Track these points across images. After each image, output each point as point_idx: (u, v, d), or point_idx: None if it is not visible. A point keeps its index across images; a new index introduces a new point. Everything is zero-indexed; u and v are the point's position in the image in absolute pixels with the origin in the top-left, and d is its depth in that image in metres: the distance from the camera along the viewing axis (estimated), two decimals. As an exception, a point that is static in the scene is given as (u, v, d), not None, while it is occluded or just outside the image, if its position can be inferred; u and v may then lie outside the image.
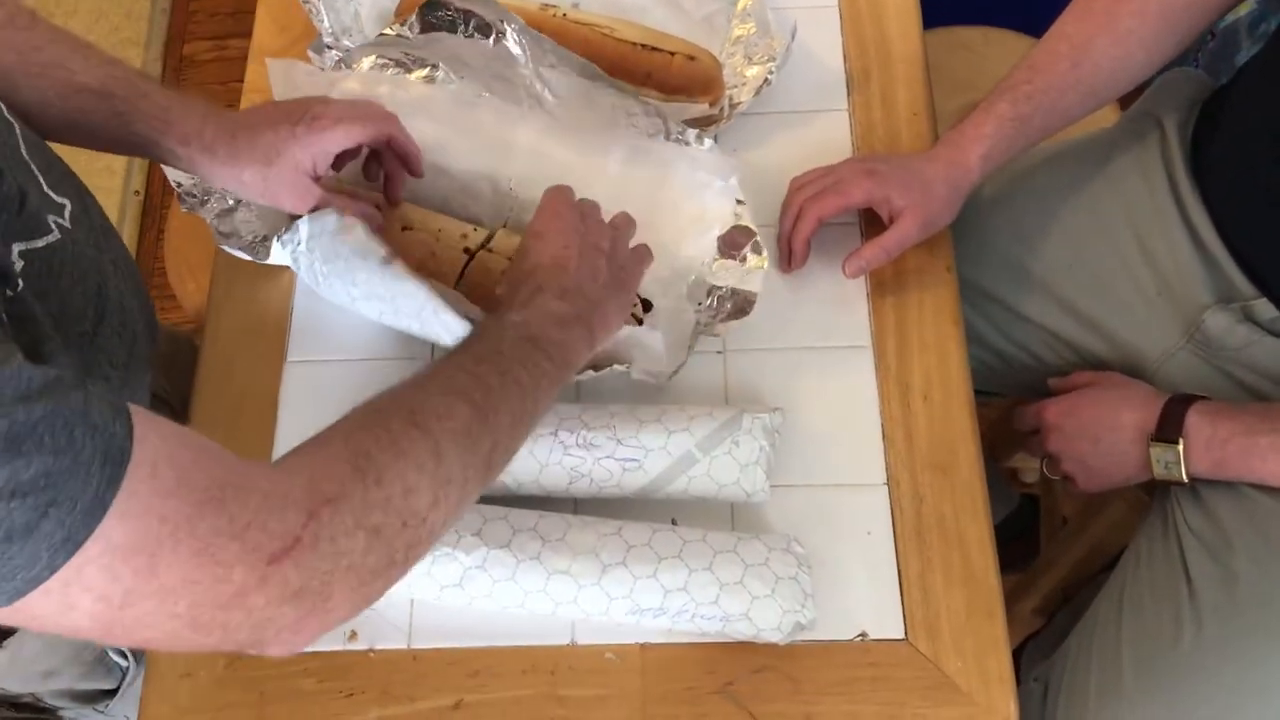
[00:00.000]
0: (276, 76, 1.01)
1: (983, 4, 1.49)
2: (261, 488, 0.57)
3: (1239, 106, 0.98)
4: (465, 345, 0.74)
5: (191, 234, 1.42)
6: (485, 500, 0.87)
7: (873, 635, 0.86)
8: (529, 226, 0.85)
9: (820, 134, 1.07)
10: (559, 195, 0.86)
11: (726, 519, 0.90)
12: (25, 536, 0.49)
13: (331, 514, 0.58)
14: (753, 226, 0.95)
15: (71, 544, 0.51)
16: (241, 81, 1.11)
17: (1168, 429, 0.92)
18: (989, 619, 0.86)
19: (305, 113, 0.88)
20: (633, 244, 0.91)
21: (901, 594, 0.87)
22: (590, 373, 0.90)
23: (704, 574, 0.83)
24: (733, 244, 0.96)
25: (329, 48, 1.05)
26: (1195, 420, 0.91)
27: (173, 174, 0.98)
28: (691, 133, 0.98)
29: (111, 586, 0.52)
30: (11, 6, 0.84)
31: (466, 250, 0.95)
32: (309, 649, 0.85)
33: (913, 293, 0.99)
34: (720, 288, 0.95)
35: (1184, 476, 0.92)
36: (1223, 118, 1.00)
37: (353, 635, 0.87)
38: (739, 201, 0.96)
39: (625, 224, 0.89)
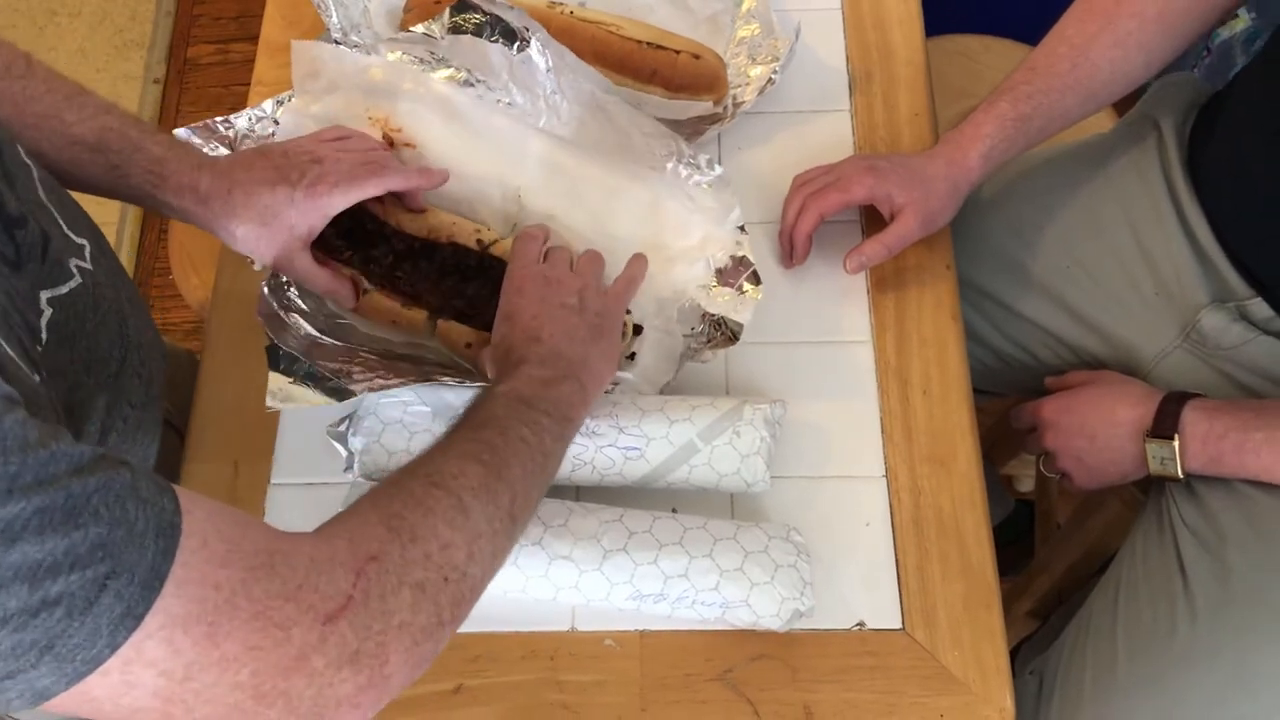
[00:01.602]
0: (300, 59, 1.02)
1: (982, 13, 1.50)
2: (306, 551, 0.58)
3: (1235, 111, 1.00)
4: (461, 420, 0.75)
5: (196, 230, 1.43)
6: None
7: (870, 625, 0.86)
8: (498, 309, 0.86)
9: (823, 134, 1.08)
10: (520, 265, 0.87)
11: (726, 509, 0.91)
12: (85, 611, 0.49)
13: (377, 571, 0.59)
14: (751, 257, 0.96)
15: (132, 618, 0.50)
16: (245, 85, 1.12)
17: (1164, 425, 0.93)
18: (986, 610, 0.87)
19: (303, 176, 0.89)
20: (626, 267, 0.92)
21: (899, 585, 0.88)
22: None
23: (704, 561, 0.83)
24: (732, 272, 0.97)
25: (337, 43, 1.06)
26: (1191, 417, 0.92)
27: None
28: (703, 157, 0.98)
29: (173, 660, 0.52)
30: (8, 53, 0.85)
31: (479, 243, 0.97)
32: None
33: (912, 289, 1.00)
34: (712, 315, 0.95)
35: (1179, 473, 0.93)
36: (1219, 121, 1.01)
37: (354, 619, 0.88)
38: (741, 229, 0.97)
39: (590, 269, 0.89)
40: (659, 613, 0.85)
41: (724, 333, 0.94)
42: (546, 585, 0.85)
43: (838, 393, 0.96)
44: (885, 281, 1.00)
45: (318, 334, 0.95)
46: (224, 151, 1.02)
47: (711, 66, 1.05)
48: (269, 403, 0.90)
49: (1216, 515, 0.93)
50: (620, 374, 0.92)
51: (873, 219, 1.01)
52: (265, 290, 0.95)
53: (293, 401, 0.90)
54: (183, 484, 0.93)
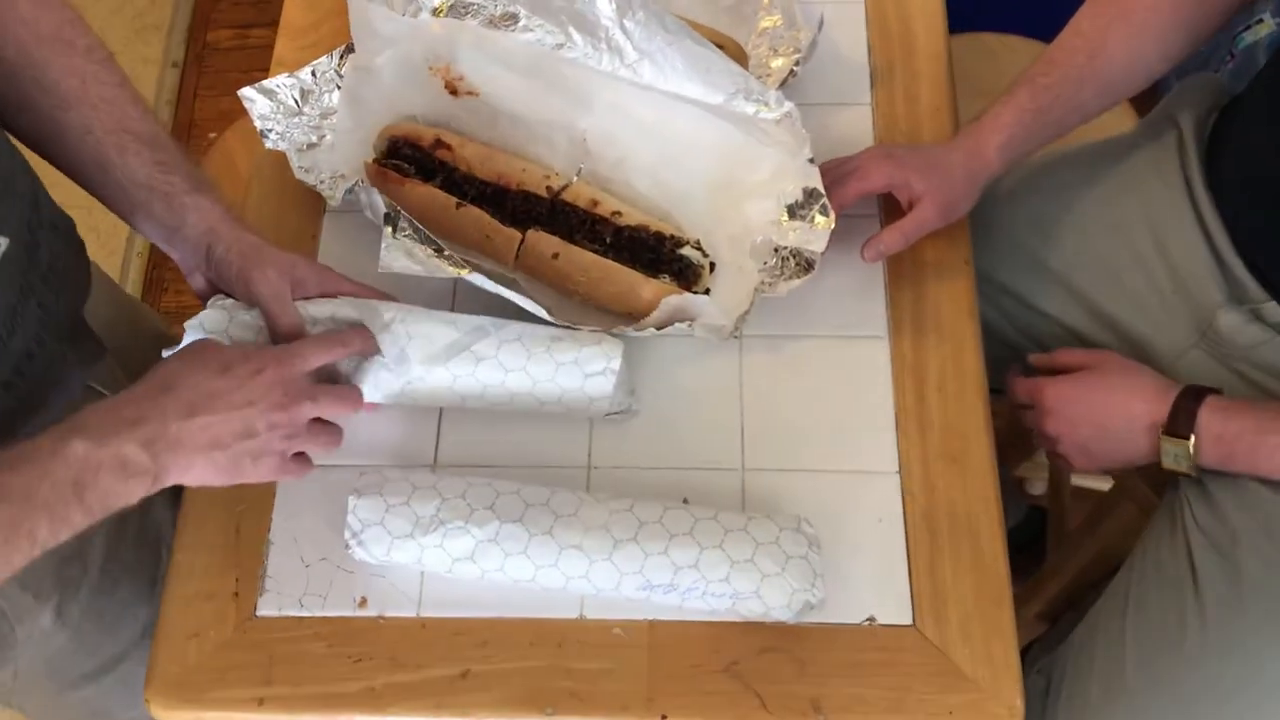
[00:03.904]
0: (357, 14, 1.01)
1: (1005, 11, 1.50)
2: None
3: (1249, 114, 0.99)
4: (19, 449, 0.70)
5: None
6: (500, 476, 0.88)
7: (881, 620, 0.86)
8: (180, 356, 0.79)
9: (843, 127, 1.08)
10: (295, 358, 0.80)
11: (738, 501, 0.91)
12: None
13: None
14: (821, 187, 0.95)
15: None
16: (263, 71, 1.11)
17: (1180, 424, 0.92)
18: (997, 607, 0.86)
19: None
20: (699, 204, 0.93)
21: (910, 580, 0.87)
22: (651, 331, 0.92)
23: (715, 552, 0.83)
24: (803, 205, 0.96)
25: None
26: (1207, 417, 0.91)
27: (255, 108, 1.01)
28: (772, 94, 0.96)
29: None
30: (94, 41, 0.88)
31: (549, 189, 0.99)
32: (319, 613, 0.86)
33: (930, 285, 0.99)
34: (784, 247, 0.95)
35: (1192, 470, 0.92)
36: (1235, 124, 1.01)
37: (363, 602, 0.87)
38: (810, 161, 0.96)
39: (314, 434, 0.82)
40: (669, 603, 0.85)
41: (799, 263, 0.94)
42: (556, 574, 0.84)
43: (852, 387, 0.95)
44: (903, 277, 1.00)
45: None
46: (282, 117, 1.03)
47: (732, 57, 1.04)
48: (382, 265, 0.90)
49: (1229, 517, 0.93)
50: (700, 307, 0.92)
51: (891, 213, 1.01)
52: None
53: (411, 259, 0.90)
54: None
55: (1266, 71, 0.98)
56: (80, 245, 0.93)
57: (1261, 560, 0.90)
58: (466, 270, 0.90)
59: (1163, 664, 0.91)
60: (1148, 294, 1.05)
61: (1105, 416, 0.96)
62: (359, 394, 0.86)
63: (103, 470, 0.71)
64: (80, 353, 0.90)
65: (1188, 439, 0.91)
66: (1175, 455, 0.92)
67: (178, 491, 0.94)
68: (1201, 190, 1.02)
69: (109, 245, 2.00)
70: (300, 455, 0.83)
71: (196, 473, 0.77)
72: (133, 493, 0.74)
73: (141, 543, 1.01)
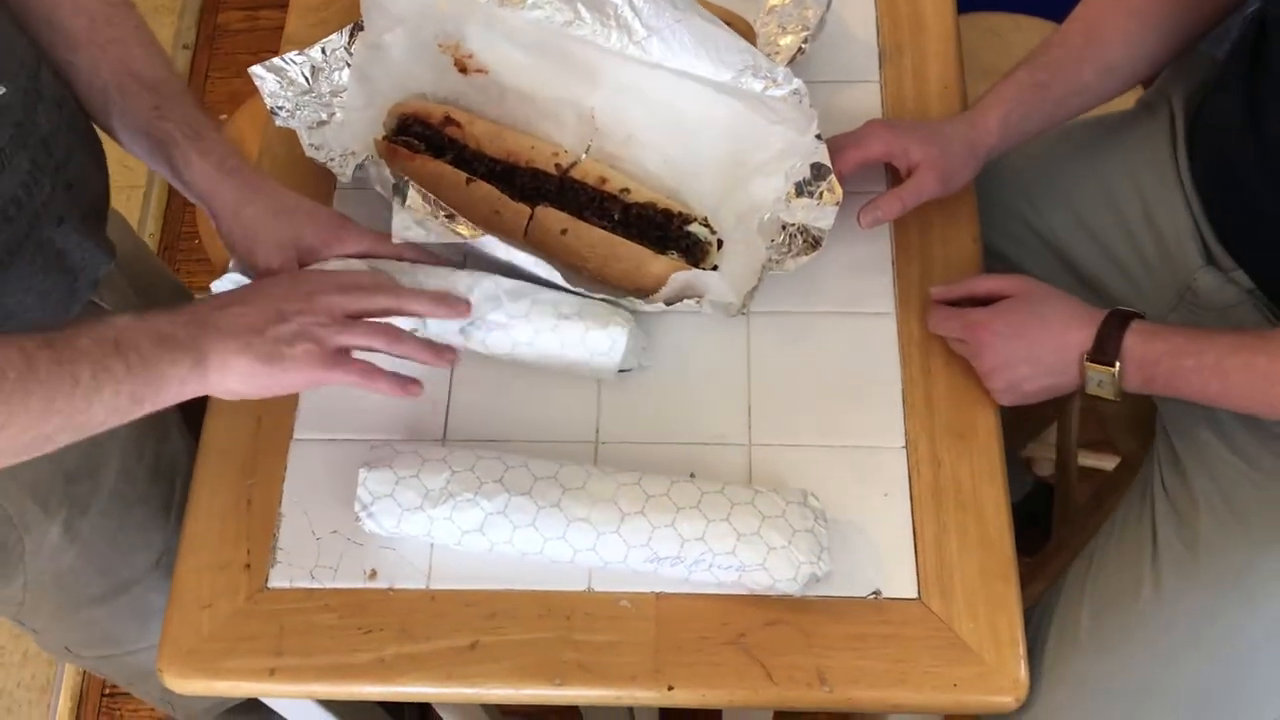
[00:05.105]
0: None
1: (1015, -9, 1.50)
2: None
3: (1217, 90, 1.01)
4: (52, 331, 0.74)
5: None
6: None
7: (886, 594, 0.87)
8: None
9: (851, 105, 1.08)
10: (315, 272, 0.86)
11: (745, 474, 0.91)
12: None
13: None
14: (828, 163, 0.95)
15: None
16: (273, 52, 1.11)
17: (1106, 351, 0.89)
18: (1002, 582, 0.87)
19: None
20: (706, 181, 0.93)
21: (916, 555, 0.88)
22: (661, 306, 0.93)
23: (721, 524, 0.84)
24: (810, 181, 0.96)
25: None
26: (1130, 343, 0.89)
27: (265, 86, 1.00)
28: (780, 71, 0.96)
29: None
30: None
31: (557, 166, 1.00)
32: (329, 585, 0.87)
33: (938, 261, 1.00)
34: (792, 224, 0.95)
35: (1115, 396, 0.91)
36: (1210, 100, 1.02)
37: (373, 574, 0.88)
38: (817, 137, 0.96)
39: (355, 331, 0.84)
40: (676, 575, 0.85)
41: (807, 240, 0.94)
42: (564, 547, 0.85)
43: (859, 362, 0.96)
44: (910, 253, 1.00)
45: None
46: (292, 95, 1.02)
47: (741, 34, 1.04)
48: (395, 234, 0.90)
49: (1192, 482, 0.95)
50: (708, 283, 0.93)
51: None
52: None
53: (423, 228, 0.90)
54: (204, 437, 0.95)
55: (1234, 53, 0.99)
56: (99, 151, 0.93)
57: (1219, 526, 0.92)
58: (479, 233, 0.90)
59: (1115, 623, 0.93)
60: (1134, 261, 1.07)
61: (1040, 350, 0.92)
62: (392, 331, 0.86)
63: (141, 336, 0.75)
64: (90, 234, 0.90)
65: (1113, 365, 0.89)
66: (1099, 381, 0.90)
67: (195, 424, 0.97)
68: (1185, 163, 1.04)
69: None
70: (344, 354, 0.84)
71: (240, 363, 0.79)
72: (173, 368, 0.77)
73: (156, 470, 1.02)
